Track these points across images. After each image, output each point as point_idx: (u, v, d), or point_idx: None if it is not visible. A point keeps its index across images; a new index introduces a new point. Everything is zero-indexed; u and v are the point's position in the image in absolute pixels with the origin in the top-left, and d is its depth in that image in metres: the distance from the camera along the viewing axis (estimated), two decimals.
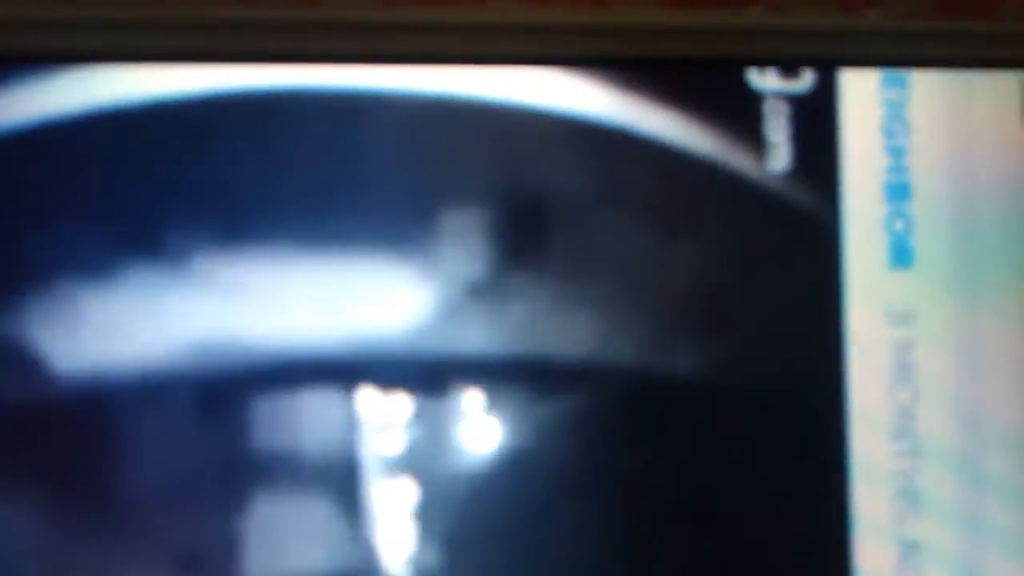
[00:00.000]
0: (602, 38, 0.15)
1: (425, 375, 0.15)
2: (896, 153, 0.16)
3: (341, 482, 0.15)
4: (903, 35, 0.17)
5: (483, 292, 0.15)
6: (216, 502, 0.15)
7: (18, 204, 0.14)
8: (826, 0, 0.18)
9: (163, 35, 0.15)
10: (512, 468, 0.15)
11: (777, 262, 0.16)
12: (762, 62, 0.16)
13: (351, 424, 0.15)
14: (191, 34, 0.15)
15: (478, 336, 0.15)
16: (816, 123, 0.16)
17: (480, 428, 0.15)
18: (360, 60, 0.15)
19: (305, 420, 0.15)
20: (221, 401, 0.15)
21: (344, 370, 0.15)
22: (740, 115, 0.16)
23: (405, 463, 0.15)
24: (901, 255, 0.16)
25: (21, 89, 0.14)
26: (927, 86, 0.16)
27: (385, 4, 0.17)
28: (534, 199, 0.15)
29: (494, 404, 0.15)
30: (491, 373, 0.15)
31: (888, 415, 0.16)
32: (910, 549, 0.16)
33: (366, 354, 0.15)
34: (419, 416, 0.15)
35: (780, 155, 0.16)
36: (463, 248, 0.15)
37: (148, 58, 0.15)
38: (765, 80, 0.16)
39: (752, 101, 0.16)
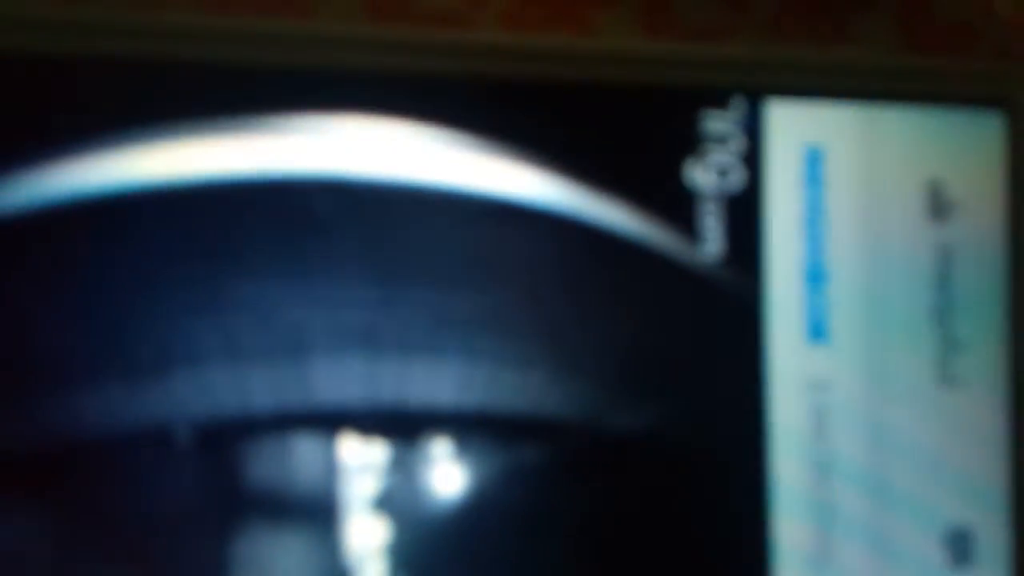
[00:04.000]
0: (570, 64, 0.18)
1: (400, 425, 0.17)
2: (814, 242, 0.19)
3: (322, 519, 0.17)
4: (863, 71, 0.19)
5: (452, 355, 0.17)
6: (208, 536, 0.17)
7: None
8: (797, 36, 0.21)
9: (153, 44, 0.16)
10: (475, 509, 0.17)
11: (709, 337, 0.19)
12: (706, 93, 0.18)
13: (332, 468, 0.17)
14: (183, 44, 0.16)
15: (447, 393, 0.17)
16: (745, 217, 0.19)
17: (448, 474, 0.17)
18: (345, 75, 0.17)
19: (292, 464, 0.17)
20: (214, 446, 0.17)
21: (327, 419, 0.17)
22: (678, 210, 0.18)
23: (380, 504, 0.17)
24: (818, 331, 0.19)
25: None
26: (844, 186, 0.19)
27: (369, 20, 0.19)
28: (496, 277, 0.18)
29: (460, 453, 0.17)
30: (458, 425, 0.17)
31: (808, 470, 0.19)
32: None
33: (347, 406, 0.17)
34: (394, 462, 0.17)
35: (712, 243, 0.19)
36: (435, 318, 0.17)
37: (137, 65, 0.16)
38: (701, 176, 0.19)
39: (688, 197, 0.19)
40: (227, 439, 0.16)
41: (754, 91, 0.19)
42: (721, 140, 0.19)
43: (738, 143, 0.19)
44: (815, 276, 0.19)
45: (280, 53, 0.17)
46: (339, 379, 0.17)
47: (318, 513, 0.17)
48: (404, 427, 0.17)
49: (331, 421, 0.17)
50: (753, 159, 0.19)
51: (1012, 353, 0.19)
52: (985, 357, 0.19)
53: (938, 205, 0.19)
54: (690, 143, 0.19)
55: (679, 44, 0.20)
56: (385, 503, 0.17)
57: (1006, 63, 0.22)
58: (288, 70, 0.17)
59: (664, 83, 0.18)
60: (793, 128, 0.19)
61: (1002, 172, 0.20)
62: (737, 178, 0.19)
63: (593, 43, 0.20)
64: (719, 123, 0.19)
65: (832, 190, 0.19)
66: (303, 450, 0.17)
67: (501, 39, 0.19)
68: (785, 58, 0.19)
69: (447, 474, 0.17)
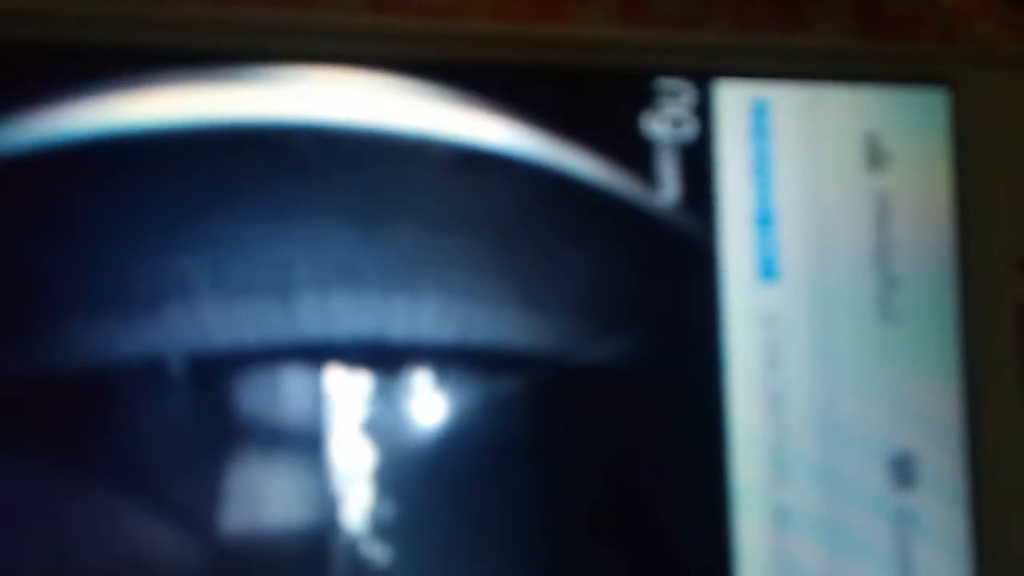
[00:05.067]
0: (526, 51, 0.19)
1: (382, 358, 0.18)
2: (763, 187, 0.20)
3: (311, 446, 0.18)
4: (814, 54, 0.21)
5: (429, 292, 0.18)
6: (203, 461, 0.17)
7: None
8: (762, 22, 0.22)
9: (150, 33, 0.17)
10: (453, 435, 0.18)
11: (668, 276, 0.20)
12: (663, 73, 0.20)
13: (319, 398, 0.18)
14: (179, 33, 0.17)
15: (426, 327, 0.18)
16: (698, 163, 0.20)
17: (428, 403, 0.18)
18: (344, 63, 0.18)
19: (281, 394, 0.18)
20: (206, 377, 0.17)
21: (313, 352, 0.18)
22: (636, 158, 0.20)
23: (365, 431, 0.18)
24: (768, 270, 0.20)
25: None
26: (788, 137, 0.20)
27: (371, 9, 0.20)
28: (468, 219, 0.19)
29: (439, 383, 0.18)
30: (436, 358, 0.18)
31: (762, 398, 0.20)
32: (782, 513, 0.20)
33: (332, 340, 0.18)
34: (377, 392, 0.18)
35: (669, 190, 0.20)
36: (412, 257, 0.18)
37: (134, 55, 0.17)
38: (657, 127, 0.20)
39: (646, 145, 0.20)
40: (219, 370, 0.17)
41: (708, 75, 0.20)
42: (674, 94, 0.20)
43: (690, 96, 0.20)
44: (764, 219, 0.20)
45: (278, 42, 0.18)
46: (324, 314, 0.18)
47: (307, 440, 0.18)
48: (386, 359, 0.18)
49: (317, 353, 0.18)
50: (704, 111, 0.20)
51: (951, 291, 0.21)
52: (922, 294, 0.21)
53: (875, 155, 0.21)
54: (645, 97, 0.20)
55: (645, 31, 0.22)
56: (370, 430, 0.18)
57: (948, 46, 0.23)
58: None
59: (622, 67, 0.20)
60: (740, 83, 0.20)
61: (940, 134, 0.21)
62: (690, 129, 0.20)
63: (556, 29, 0.21)
64: (672, 81, 0.20)
65: (777, 140, 0.20)
66: (291, 381, 0.18)
67: (485, 28, 0.20)
68: (739, 43, 0.21)
69: (427, 403, 0.18)
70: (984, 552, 0.21)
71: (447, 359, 0.18)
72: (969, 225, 0.21)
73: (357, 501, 0.18)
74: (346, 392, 0.18)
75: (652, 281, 0.20)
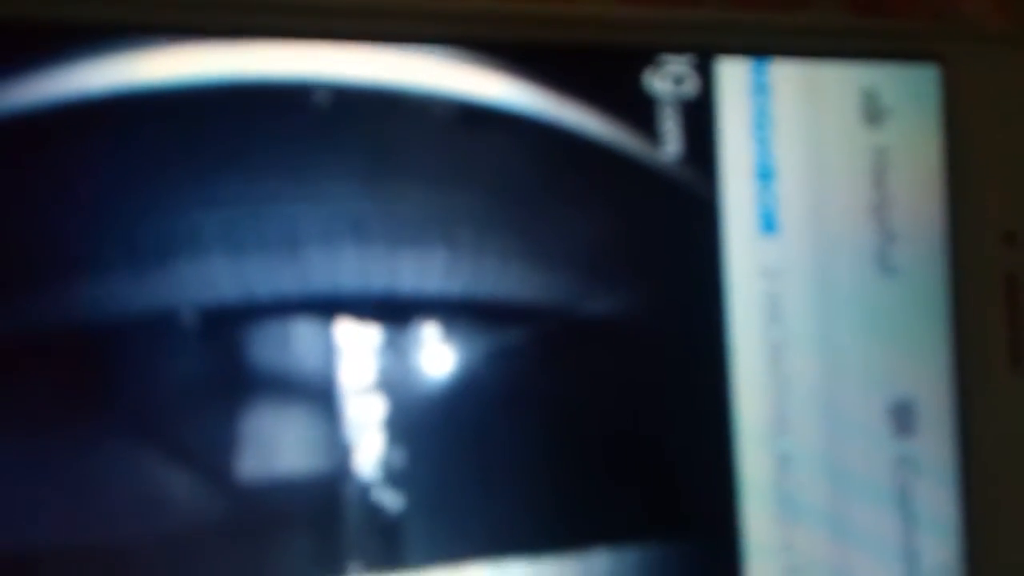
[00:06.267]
0: (518, 25, 0.19)
1: (391, 311, 0.19)
2: (763, 143, 0.21)
3: (322, 396, 0.18)
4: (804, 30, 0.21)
5: (436, 246, 0.19)
6: (217, 413, 0.18)
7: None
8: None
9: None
10: (461, 386, 0.19)
11: (671, 230, 0.20)
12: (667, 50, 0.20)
13: (330, 350, 0.18)
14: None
15: (434, 281, 0.19)
16: (700, 119, 0.20)
17: (436, 354, 0.19)
18: (351, 40, 0.19)
19: (292, 346, 0.18)
20: (219, 330, 0.18)
21: (323, 305, 0.18)
22: (638, 113, 0.20)
23: (376, 383, 0.18)
24: (769, 224, 0.21)
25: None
26: (787, 91, 0.21)
27: None
28: (475, 175, 0.19)
29: (447, 335, 0.19)
30: (444, 311, 0.19)
31: (763, 350, 0.20)
32: (785, 460, 0.20)
33: (342, 293, 0.18)
34: (387, 344, 0.19)
35: (671, 145, 0.20)
36: (419, 212, 0.19)
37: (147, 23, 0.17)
38: (659, 84, 0.20)
39: (648, 102, 0.20)
40: (231, 324, 0.18)
41: (707, 52, 0.20)
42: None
43: (691, 54, 0.20)
44: (765, 174, 0.21)
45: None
46: (333, 268, 0.18)
47: (319, 391, 0.18)
48: (395, 312, 0.18)
49: (327, 307, 0.18)
50: (705, 69, 0.20)
51: (946, 245, 0.21)
52: (920, 248, 0.21)
53: (873, 111, 0.21)
54: (647, 54, 0.20)
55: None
56: (380, 382, 0.18)
57: (938, 23, 0.24)
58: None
59: (624, 43, 0.20)
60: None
61: (932, 108, 0.22)
62: (692, 86, 0.20)
63: (554, 7, 0.21)
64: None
65: (777, 96, 0.21)
66: (303, 334, 0.18)
67: (481, 5, 0.20)
68: (731, 20, 0.21)
69: (435, 354, 0.19)
70: (977, 513, 0.21)
71: (454, 312, 0.19)
72: (958, 196, 0.21)
73: (368, 450, 0.18)
74: (356, 344, 0.18)
75: (655, 235, 0.20)
